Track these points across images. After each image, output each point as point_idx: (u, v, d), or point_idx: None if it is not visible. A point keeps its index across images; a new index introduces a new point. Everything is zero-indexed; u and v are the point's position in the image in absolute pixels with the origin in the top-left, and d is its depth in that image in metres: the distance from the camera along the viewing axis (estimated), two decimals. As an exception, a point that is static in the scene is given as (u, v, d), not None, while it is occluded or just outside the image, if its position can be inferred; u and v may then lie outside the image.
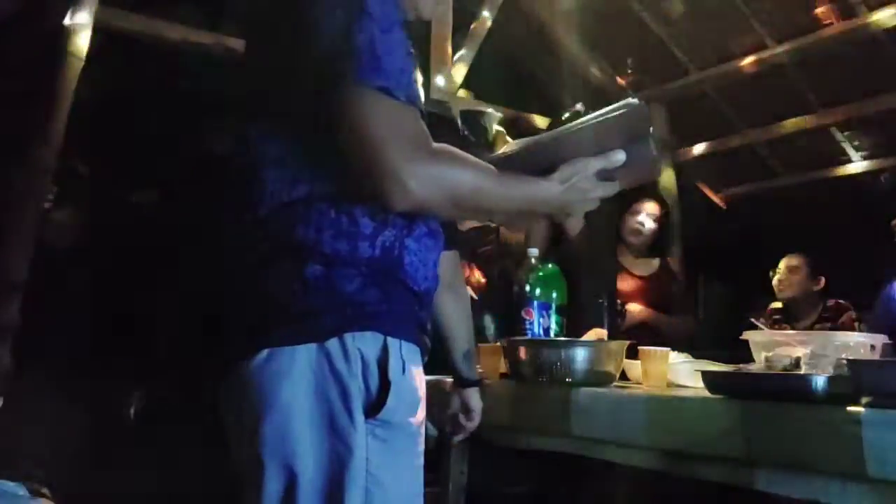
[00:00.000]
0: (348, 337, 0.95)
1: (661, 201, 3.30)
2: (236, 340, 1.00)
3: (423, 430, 1.06)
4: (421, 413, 1.04)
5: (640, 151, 1.06)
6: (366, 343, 0.96)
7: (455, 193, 0.97)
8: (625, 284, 3.12)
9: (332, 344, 0.95)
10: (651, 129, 1.08)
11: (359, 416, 0.94)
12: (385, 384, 0.96)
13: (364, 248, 0.98)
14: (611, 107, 1.05)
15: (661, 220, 3.18)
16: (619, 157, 1.04)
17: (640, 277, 3.16)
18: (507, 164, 1.07)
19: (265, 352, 0.95)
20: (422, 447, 1.05)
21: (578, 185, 1.05)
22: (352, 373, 0.95)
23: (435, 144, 0.98)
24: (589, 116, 1.07)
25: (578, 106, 3.40)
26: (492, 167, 1.03)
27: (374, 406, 0.96)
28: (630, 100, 1.05)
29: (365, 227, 0.98)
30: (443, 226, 1.13)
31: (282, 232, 0.98)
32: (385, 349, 0.97)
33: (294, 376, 0.94)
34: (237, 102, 1.10)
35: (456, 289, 1.72)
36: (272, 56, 1.03)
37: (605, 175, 1.06)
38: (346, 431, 0.94)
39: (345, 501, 0.92)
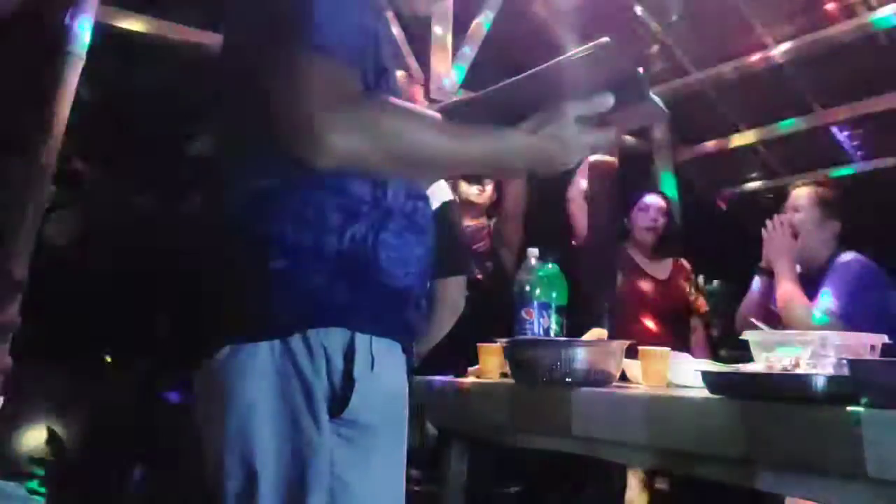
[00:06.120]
0: (312, 333, 0.92)
1: (662, 194, 3.29)
2: (203, 336, 0.98)
3: (400, 429, 1.03)
4: (395, 411, 1.01)
5: (631, 93, 0.95)
6: (331, 339, 0.93)
7: (391, 145, 0.90)
8: (643, 286, 3.09)
9: (295, 340, 0.92)
10: (639, 68, 0.97)
11: (323, 415, 0.92)
12: (350, 382, 0.93)
13: (331, 242, 0.94)
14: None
15: (668, 213, 3.18)
16: (607, 100, 0.96)
17: (658, 280, 3.14)
18: (468, 115, 0.98)
19: (227, 348, 0.93)
20: (397, 446, 1.02)
21: (559, 134, 0.98)
22: (315, 370, 0.92)
23: (370, 95, 0.91)
24: (558, 58, 0.96)
25: None
26: (439, 117, 0.96)
27: (339, 405, 0.93)
28: (600, 39, 0.93)
29: (332, 220, 0.94)
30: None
31: (245, 226, 0.95)
32: (352, 346, 0.94)
33: (256, 373, 0.91)
34: (209, 98, 1.09)
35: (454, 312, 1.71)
36: (236, 48, 1.02)
37: (596, 121, 0.97)
38: (309, 431, 0.91)
39: (307, 502, 0.90)
